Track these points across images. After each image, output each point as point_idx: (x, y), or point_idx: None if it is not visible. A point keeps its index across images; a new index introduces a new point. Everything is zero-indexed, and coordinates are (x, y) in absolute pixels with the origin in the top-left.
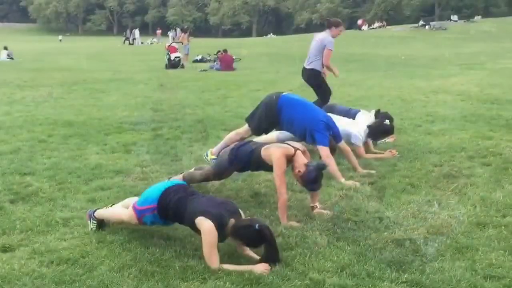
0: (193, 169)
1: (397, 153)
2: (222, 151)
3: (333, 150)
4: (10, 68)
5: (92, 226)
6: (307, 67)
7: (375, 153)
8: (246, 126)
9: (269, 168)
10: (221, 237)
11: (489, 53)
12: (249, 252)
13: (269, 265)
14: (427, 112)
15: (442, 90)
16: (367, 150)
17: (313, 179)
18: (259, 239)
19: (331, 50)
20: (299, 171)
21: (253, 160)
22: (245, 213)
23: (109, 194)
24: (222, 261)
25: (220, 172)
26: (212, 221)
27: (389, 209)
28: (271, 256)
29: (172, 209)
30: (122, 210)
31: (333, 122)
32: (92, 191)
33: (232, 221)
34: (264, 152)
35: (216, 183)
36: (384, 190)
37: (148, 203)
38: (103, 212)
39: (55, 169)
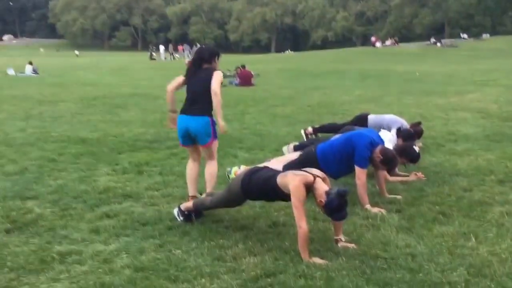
0: (204, 195)
1: (424, 176)
2: (237, 174)
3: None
4: (33, 83)
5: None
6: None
7: (400, 175)
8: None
9: (286, 197)
10: None
11: (501, 70)
12: None
13: None
14: (448, 130)
15: (461, 107)
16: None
17: (336, 207)
18: None
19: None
20: (320, 201)
21: (268, 189)
22: (262, 246)
23: (114, 223)
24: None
25: (231, 199)
26: None
27: (421, 243)
28: None
29: None
30: None
31: (379, 137)
32: (96, 219)
33: None
34: (280, 180)
35: (231, 210)
36: (413, 220)
37: None
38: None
39: (61, 193)
